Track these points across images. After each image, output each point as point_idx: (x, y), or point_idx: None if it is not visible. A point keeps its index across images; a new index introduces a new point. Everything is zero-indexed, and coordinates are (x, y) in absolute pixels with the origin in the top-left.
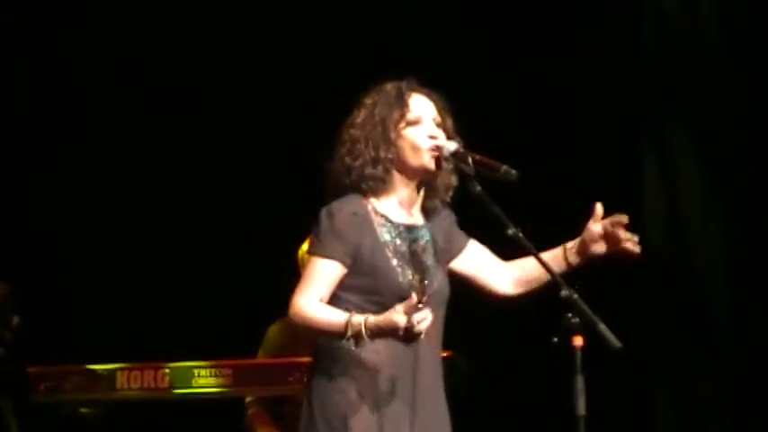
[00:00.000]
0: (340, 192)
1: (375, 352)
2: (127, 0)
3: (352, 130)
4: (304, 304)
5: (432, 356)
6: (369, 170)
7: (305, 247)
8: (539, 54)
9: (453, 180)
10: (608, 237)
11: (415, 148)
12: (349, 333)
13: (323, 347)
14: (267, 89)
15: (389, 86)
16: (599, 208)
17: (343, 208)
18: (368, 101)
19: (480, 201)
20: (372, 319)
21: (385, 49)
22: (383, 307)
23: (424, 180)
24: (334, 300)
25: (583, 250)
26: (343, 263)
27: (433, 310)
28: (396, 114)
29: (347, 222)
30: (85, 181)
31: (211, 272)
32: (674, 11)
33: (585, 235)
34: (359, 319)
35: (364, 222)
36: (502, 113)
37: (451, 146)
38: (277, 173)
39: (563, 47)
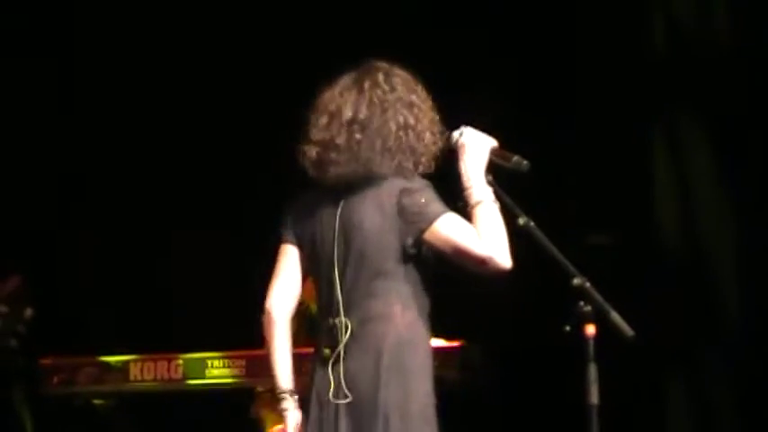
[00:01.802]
0: None
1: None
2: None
3: None
4: (482, 241)
5: None
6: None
7: None
8: (546, 47)
9: None
10: None
11: None
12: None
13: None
14: (267, 89)
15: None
16: None
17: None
18: None
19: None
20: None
21: (385, 48)
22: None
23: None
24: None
25: None
26: None
27: None
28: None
29: None
30: (92, 173)
31: (223, 263)
32: (683, 5)
33: None
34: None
35: None
36: (510, 106)
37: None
38: (286, 171)
39: (570, 41)
